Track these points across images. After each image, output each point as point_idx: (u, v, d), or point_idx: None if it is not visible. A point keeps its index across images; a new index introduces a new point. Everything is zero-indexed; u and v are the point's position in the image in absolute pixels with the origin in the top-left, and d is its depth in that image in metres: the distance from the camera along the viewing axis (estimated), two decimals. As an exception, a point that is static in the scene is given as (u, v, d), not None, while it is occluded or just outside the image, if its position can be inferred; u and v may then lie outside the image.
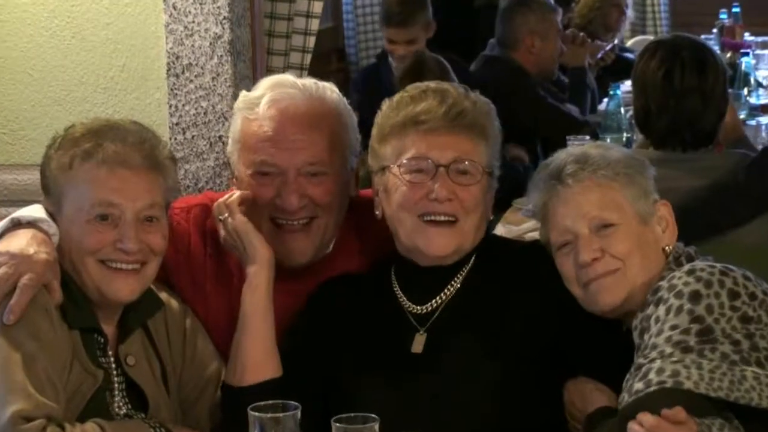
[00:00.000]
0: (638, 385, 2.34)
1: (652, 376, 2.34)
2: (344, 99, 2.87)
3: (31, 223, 2.59)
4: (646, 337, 2.43)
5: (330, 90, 2.84)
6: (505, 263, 2.72)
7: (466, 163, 2.64)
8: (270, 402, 2.32)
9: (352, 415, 2.25)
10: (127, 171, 2.59)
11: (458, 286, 2.69)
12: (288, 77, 2.87)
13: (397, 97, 2.72)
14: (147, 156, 2.61)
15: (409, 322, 2.69)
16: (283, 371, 2.68)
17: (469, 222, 2.65)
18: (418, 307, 2.70)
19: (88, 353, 2.57)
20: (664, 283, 2.44)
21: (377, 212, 2.73)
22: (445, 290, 2.70)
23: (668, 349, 2.36)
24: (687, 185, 3.21)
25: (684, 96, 3.52)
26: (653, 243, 2.57)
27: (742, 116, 5.17)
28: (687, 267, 2.46)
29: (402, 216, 2.65)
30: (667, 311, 2.40)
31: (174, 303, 2.78)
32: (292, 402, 2.31)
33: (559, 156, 2.62)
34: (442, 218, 2.63)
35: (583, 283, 2.54)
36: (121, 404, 2.60)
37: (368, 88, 6.05)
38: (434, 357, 2.64)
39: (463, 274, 2.70)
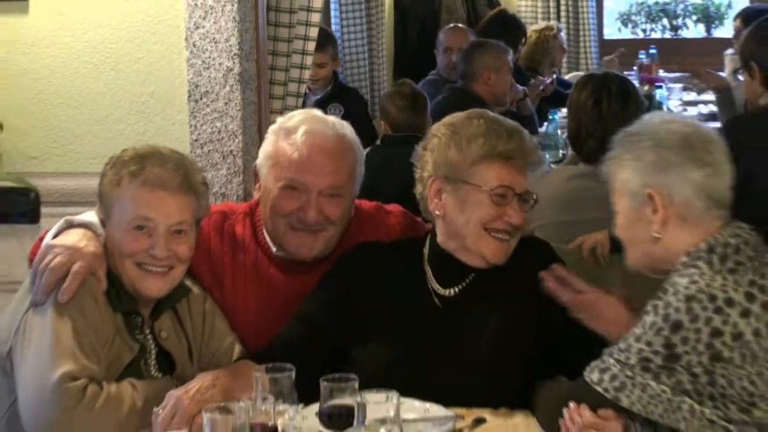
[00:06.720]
0: (593, 377, 2.40)
1: (605, 376, 2.38)
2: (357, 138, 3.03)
3: (83, 224, 2.70)
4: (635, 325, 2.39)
5: (349, 129, 3.00)
6: (515, 256, 2.87)
7: (527, 191, 2.83)
8: (271, 365, 2.44)
9: (337, 375, 2.37)
10: (163, 192, 2.65)
11: (477, 275, 2.84)
12: (317, 113, 3.00)
13: (483, 127, 2.81)
14: (182, 180, 2.67)
15: (432, 299, 2.83)
16: (307, 319, 2.81)
17: (518, 235, 2.86)
18: (443, 290, 2.84)
19: (128, 330, 2.67)
20: (669, 288, 2.35)
21: (437, 212, 2.82)
22: (467, 279, 2.85)
23: (632, 360, 2.35)
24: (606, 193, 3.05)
25: (609, 121, 3.65)
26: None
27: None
28: (689, 290, 2.30)
29: (474, 228, 2.78)
30: (651, 326, 2.33)
31: (195, 289, 2.87)
32: (288, 364, 2.43)
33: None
34: (504, 236, 2.81)
35: None
36: (153, 370, 2.72)
37: None
38: (449, 319, 2.79)
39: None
